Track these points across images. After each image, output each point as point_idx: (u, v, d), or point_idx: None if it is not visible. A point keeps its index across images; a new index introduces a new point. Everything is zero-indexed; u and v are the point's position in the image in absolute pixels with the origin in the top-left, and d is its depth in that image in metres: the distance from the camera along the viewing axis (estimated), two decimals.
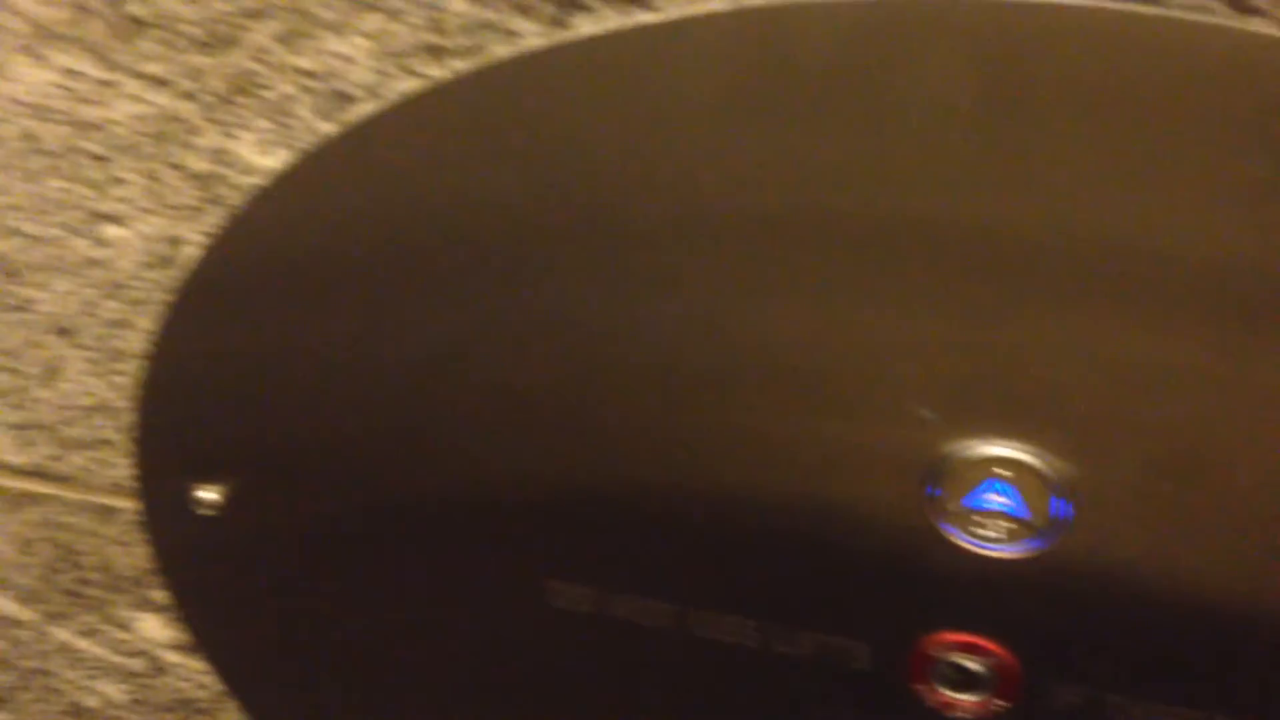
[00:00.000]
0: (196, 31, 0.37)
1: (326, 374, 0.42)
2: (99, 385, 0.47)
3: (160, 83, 0.39)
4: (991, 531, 0.35)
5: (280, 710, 0.50)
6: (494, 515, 0.41)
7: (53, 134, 0.41)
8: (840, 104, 0.31)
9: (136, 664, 0.53)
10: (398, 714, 0.47)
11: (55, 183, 0.42)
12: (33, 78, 0.40)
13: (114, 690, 0.54)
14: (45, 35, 0.39)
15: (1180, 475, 0.33)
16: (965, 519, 0.35)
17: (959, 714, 0.38)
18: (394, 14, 0.35)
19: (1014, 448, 0.34)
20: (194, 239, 0.42)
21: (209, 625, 0.50)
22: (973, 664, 0.37)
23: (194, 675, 0.52)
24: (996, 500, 0.34)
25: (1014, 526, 0.35)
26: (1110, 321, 0.32)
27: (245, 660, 0.50)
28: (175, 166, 0.40)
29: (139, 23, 0.38)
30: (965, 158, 0.31)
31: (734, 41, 0.31)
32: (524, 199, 0.36)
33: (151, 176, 0.41)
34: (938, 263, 0.32)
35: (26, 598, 0.53)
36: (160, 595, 0.51)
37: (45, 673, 0.55)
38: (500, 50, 0.34)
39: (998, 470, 0.34)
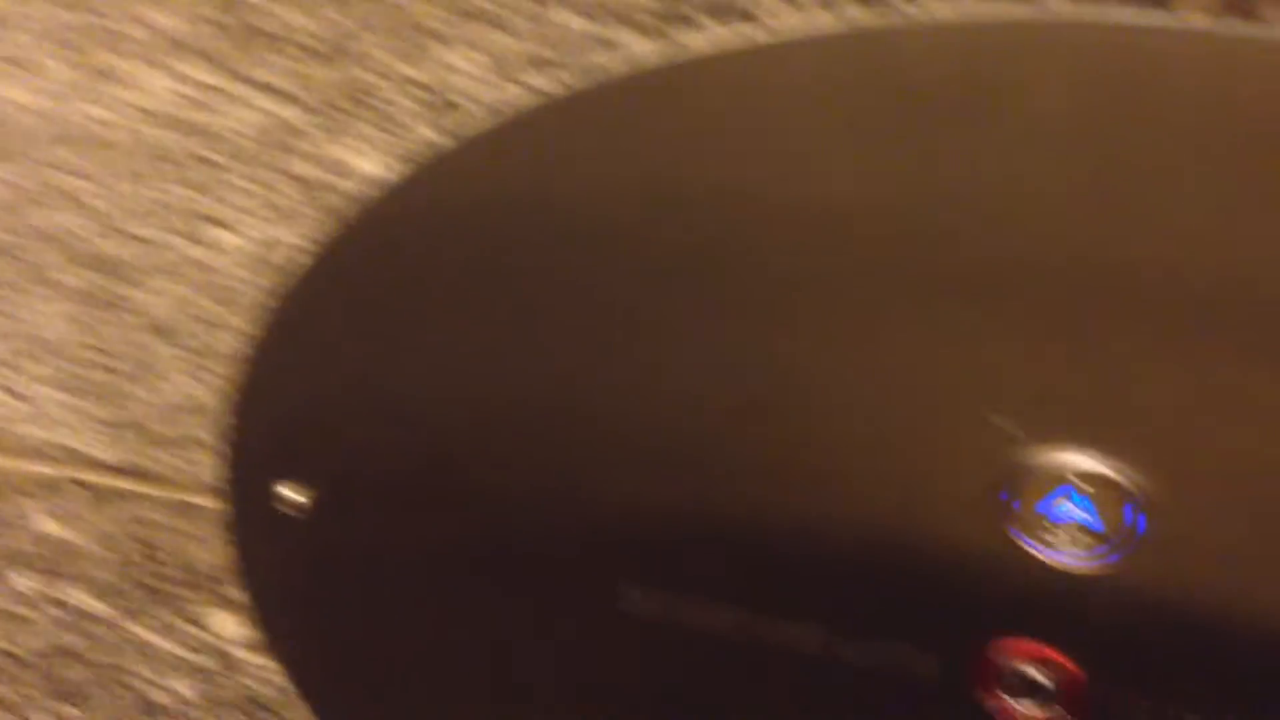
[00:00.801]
0: (313, 43, 0.40)
1: (420, 386, 0.43)
2: (192, 385, 0.49)
3: (275, 92, 0.41)
4: (1064, 542, 0.36)
5: (350, 712, 0.51)
6: (572, 527, 0.42)
7: (167, 140, 0.43)
8: (944, 126, 0.33)
9: (208, 661, 0.54)
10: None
11: (165, 186, 0.44)
12: (153, 85, 0.42)
13: (184, 687, 0.55)
14: (168, 45, 0.41)
15: (1258, 496, 0.34)
16: (1039, 528, 0.36)
17: None
18: (504, 28, 0.37)
19: (1091, 458, 0.35)
20: (298, 244, 0.44)
21: (284, 625, 0.52)
22: (1039, 675, 0.38)
23: (265, 674, 0.53)
24: (1071, 511, 0.35)
25: (1088, 538, 0.35)
26: (1201, 344, 0.33)
27: (317, 661, 0.51)
28: (284, 173, 0.42)
29: (258, 33, 0.40)
30: (1067, 179, 0.32)
31: (844, 62, 0.33)
32: (627, 215, 0.37)
33: (260, 182, 0.43)
34: (1028, 278, 0.34)
35: (105, 593, 0.55)
36: (236, 594, 0.52)
37: (118, 668, 0.57)
38: (607, 64, 0.36)
39: (1073, 480, 0.35)
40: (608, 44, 0.36)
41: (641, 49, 0.36)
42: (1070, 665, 0.38)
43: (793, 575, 0.40)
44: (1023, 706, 0.38)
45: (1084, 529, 0.35)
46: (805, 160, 0.35)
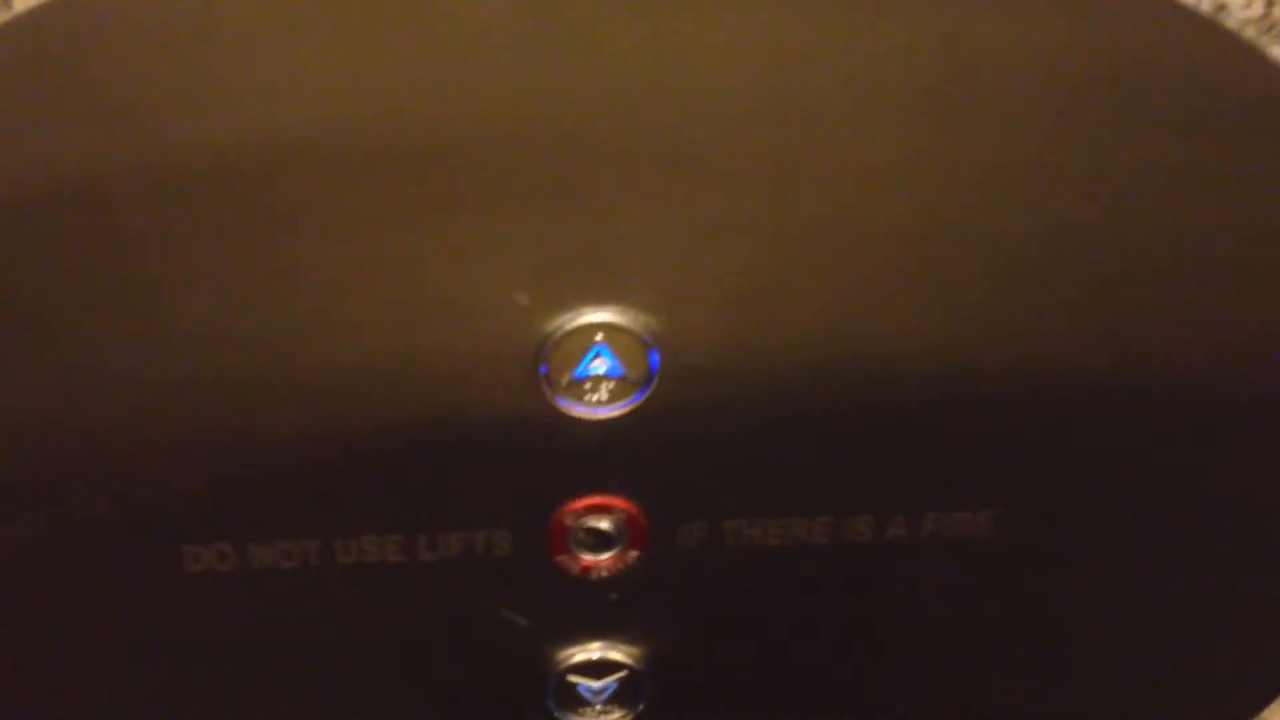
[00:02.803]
0: None
1: None
2: None
3: None
4: (599, 395, 0.38)
5: None
6: (117, 502, 0.40)
7: None
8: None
9: None
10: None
11: None
12: None
13: None
14: None
15: (751, 309, 0.37)
16: (576, 389, 0.38)
17: (601, 573, 0.41)
18: None
19: (605, 312, 0.37)
20: None
21: None
22: (603, 523, 0.40)
23: None
24: (599, 364, 0.37)
25: (615, 385, 0.38)
26: (669, 181, 0.36)
27: None
28: None
29: None
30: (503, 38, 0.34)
31: None
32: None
33: None
34: (498, 157, 0.35)
35: None
36: None
37: None
38: None
39: (596, 336, 0.37)
40: None
41: None
42: (628, 506, 0.40)
43: (360, 495, 0.40)
44: (593, 556, 0.41)
45: (616, 379, 0.38)
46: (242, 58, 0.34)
